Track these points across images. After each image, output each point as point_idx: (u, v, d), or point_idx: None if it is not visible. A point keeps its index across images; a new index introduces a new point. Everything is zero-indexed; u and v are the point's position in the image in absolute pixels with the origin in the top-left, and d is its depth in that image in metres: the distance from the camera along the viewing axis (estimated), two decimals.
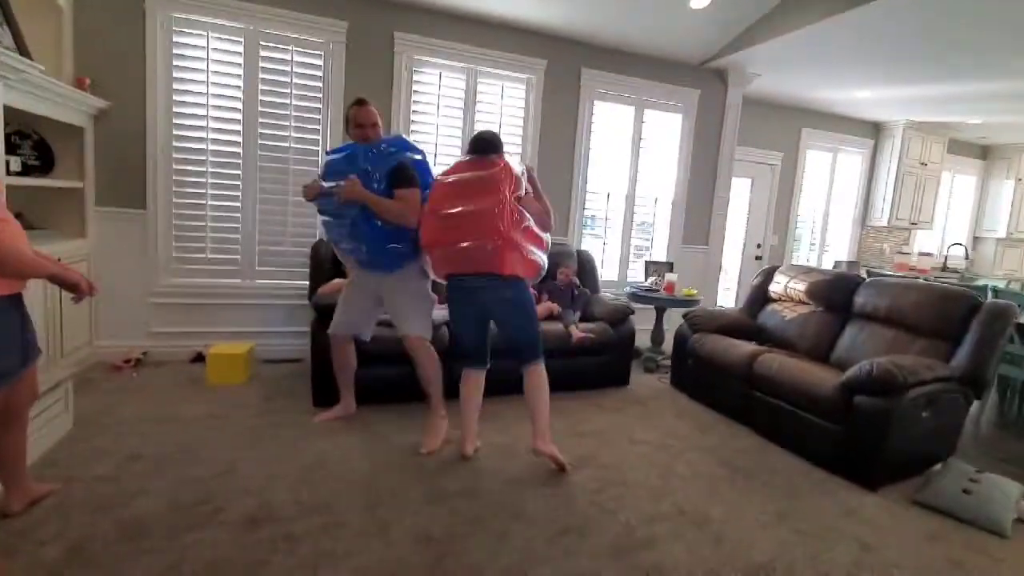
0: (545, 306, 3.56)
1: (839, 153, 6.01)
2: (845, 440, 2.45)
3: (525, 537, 1.87)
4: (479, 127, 4.02)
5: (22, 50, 2.79)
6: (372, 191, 2.29)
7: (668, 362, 3.83)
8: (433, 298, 2.63)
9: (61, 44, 3.10)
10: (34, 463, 2.10)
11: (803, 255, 6.10)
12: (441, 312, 3.19)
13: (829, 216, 6.12)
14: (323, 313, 2.84)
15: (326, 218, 2.47)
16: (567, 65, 4.17)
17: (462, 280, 2.31)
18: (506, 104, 4.11)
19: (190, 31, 3.36)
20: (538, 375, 2.40)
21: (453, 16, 3.81)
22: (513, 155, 4.11)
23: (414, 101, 3.85)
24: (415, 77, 3.84)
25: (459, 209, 2.22)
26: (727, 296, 5.66)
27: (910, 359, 2.45)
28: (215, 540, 1.72)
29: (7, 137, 2.87)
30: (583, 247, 4.37)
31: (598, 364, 3.45)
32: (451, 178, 2.32)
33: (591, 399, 3.30)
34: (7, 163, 2.66)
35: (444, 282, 2.39)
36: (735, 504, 2.20)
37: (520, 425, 2.83)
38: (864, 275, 3.64)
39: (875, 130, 6.13)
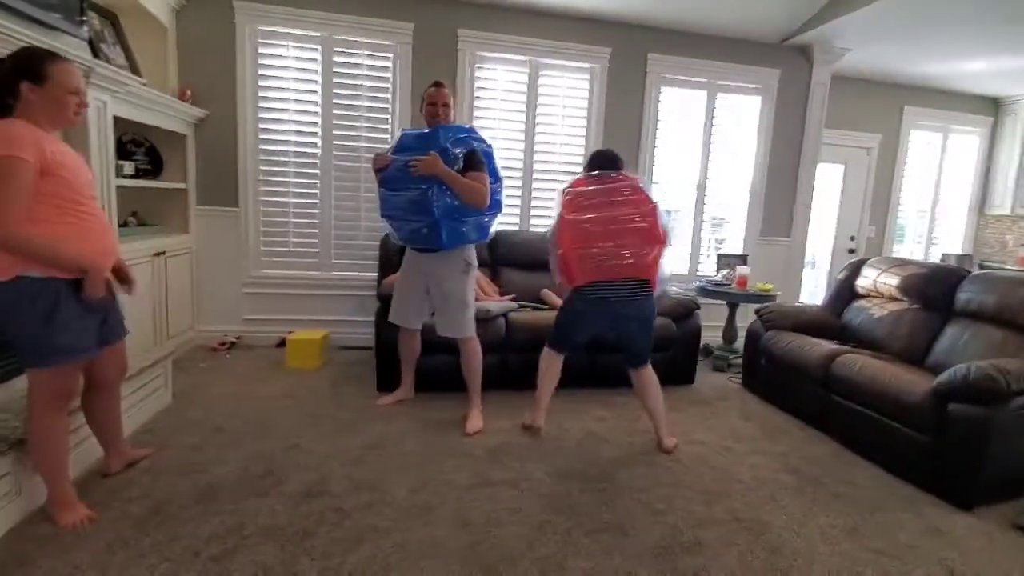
0: None
1: (950, 133, 5.32)
2: (936, 452, 2.18)
3: (565, 529, 1.85)
4: (541, 120, 4.02)
5: (132, 67, 3.18)
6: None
7: (740, 361, 3.62)
8: (473, 297, 2.67)
9: (166, 60, 3.48)
10: (137, 430, 2.40)
11: (907, 248, 5.48)
12: (501, 303, 3.25)
13: (938, 204, 5.45)
14: (387, 303, 2.96)
15: (386, 191, 2.51)
16: (632, 51, 4.05)
17: (602, 287, 2.36)
18: (569, 95, 4.06)
19: (273, 42, 3.65)
20: (650, 375, 2.54)
21: (514, 9, 3.83)
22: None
23: (477, 97, 3.92)
24: (478, 73, 3.90)
25: (614, 213, 2.33)
26: (816, 293, 5.23)
27: (1016, 363, 2.13)
28: (273, 508, 1.87)
29: (124, 144, 3.29)
30: None
31: (660, 361, 3.28)
32: (590, 187, 2.41)
33: None
34: (122, 167, 3.04)
35: (571, 287, 2.42)
36: (800, 514, 2.04)
37: (569, 418, 2.82)
38: (977, 269, 3.22)
39: (994, 106, 5.36)
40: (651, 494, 2.12)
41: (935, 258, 5.41)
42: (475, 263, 2.63)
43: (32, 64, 1.54)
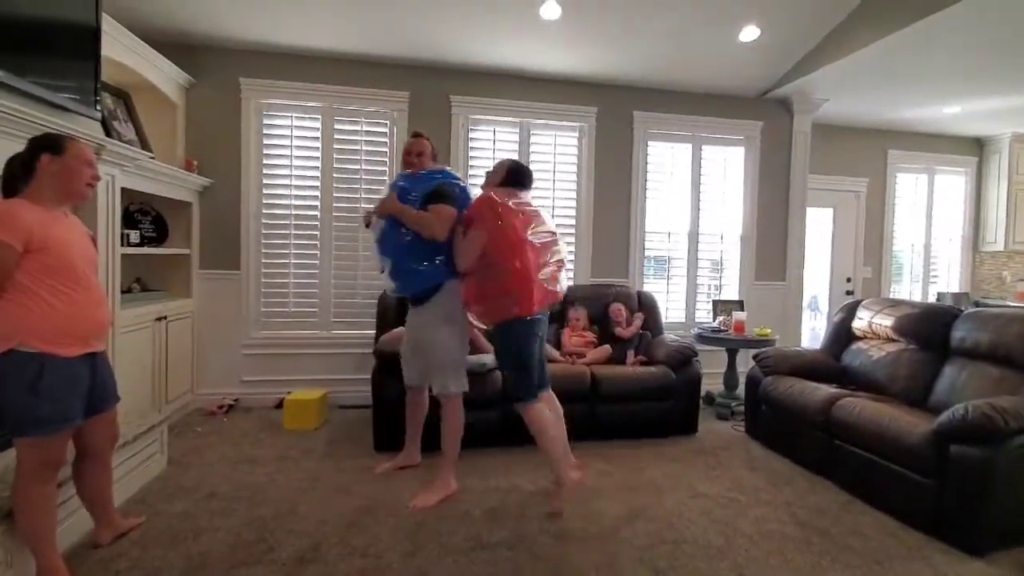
0: (602, 350, 3.49)
1: (936, 174, 5.45)
2: (941, 496, 2.12)
3: None
4: (535, 176, 4.14)
5: (142, 141, 3.34)
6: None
7: (743, 408, 3.57)
8: (466, 349, 2.58)
9: (175, 133, 3.67)
10: (130, 498, 2.38)
11: (905, 287, 5.50)
12: (485, 357, 3.24)
13: (932, 243, 5.51)
14: (384, 360, 2.99)
15: (375, 243, 2.56)
16: (618, 109, 4.24)
17: (541, 313, 2.36)
18: (559, 152, 4.22)
19: (277, 114, 3.85)
20: (553, 398, 2.53)
21: (504, 75, 4.05)
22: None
23: (471, 157, 4.08)
24: (471, 135, 4.08)
25: (548, 239, 2.37)
26: (819, 336, 5.21)
27: (1012, 400, 2.11)
28: None
29: (131, 214, 3.43)
30: (645, 288, 4.27)
31: (660, 410, 3.29)
32: (527, 209, 2.36)
33: (652, 447, 3.14)
34: (127, 236, 3.16)
35: (528, 317, 2.30)
36: (808, 570, 1.96)
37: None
38: (972, 307, 3.22)
39: (977, 146, 5.51)
40: (654, 551, 2.06)
41: (932, 296, 5.41)
42: (459, 315, 2.46)
43: (52, 139, 1.73)
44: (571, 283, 4.15)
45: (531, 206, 2.40)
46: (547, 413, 2.38)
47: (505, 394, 3.04)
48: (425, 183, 2.45)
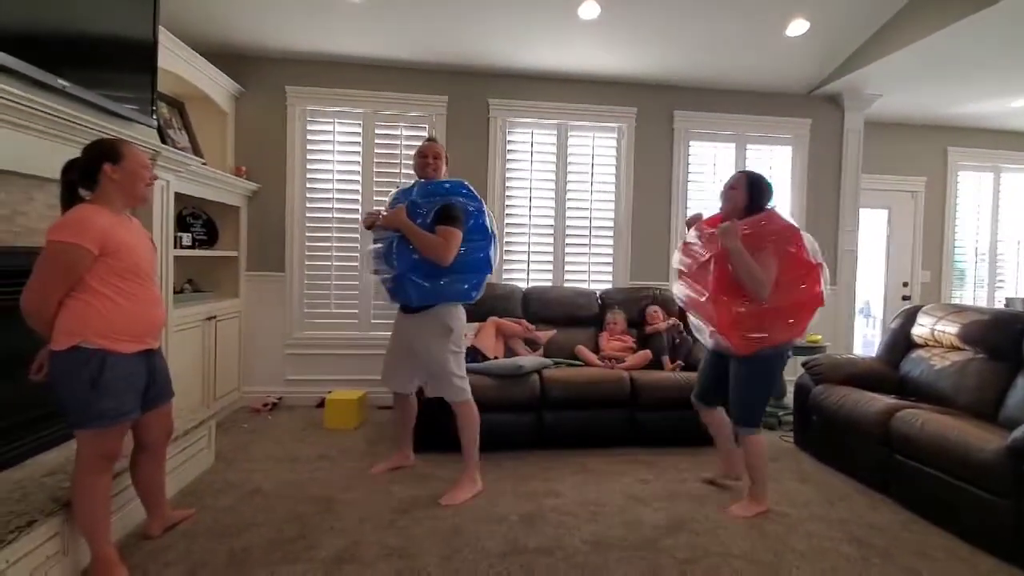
0: (642, 355, 3.41)
1: (1002, 172, 5.10)
2: (1016, 517, 1.96)
3: None
4: (571, 180, 4.12)
5: (195, 148, 3.49)
6: (416, 223, 2.33)
7: (791, 418, 3.42)
8: (461, 360, 2.52)
9: (225, 140, 3.81)
10: (181, 490, 2.46)
11: (968, 292, 5.16)
12: (535, 359, 3.22)
13: (998, 246, 5.15)
14: None
15: (375, 247, 2.54)
16: (658, 109, 4.15)
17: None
18: (598, 155, 4.17)
19: (321, 120, 3.95)
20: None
21: (542, 78, 4.03)
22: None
23: (508, 160, 4.07)
24: (508, 138, 4.07)
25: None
26: (871, 343, 4.95)
27: None
28: (303, 574, 1.84)
29: (183, 217, 3.57)
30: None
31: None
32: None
33: (694, 456, 3.03)
34: (180, 239, 3.29)
35: (783, 345, 2.29)
36: None
37: (610, 480, 2.70)
38: None
39: None
40: (697, 565, 1.98)
41: (999, 303, 5.06)
42: (459, 326, 2.47)
43: (110, 146, 1.79)
44: (610, 286, 4.09)
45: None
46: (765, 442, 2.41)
47: (540, 398, 3.02)
48: (438, 196, 2.38)
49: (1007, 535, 2.00)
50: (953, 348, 2.93)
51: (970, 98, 4.25)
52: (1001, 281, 5.19)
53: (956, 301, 4.99)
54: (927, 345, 3.09)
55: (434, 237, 2.29)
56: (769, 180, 2.42)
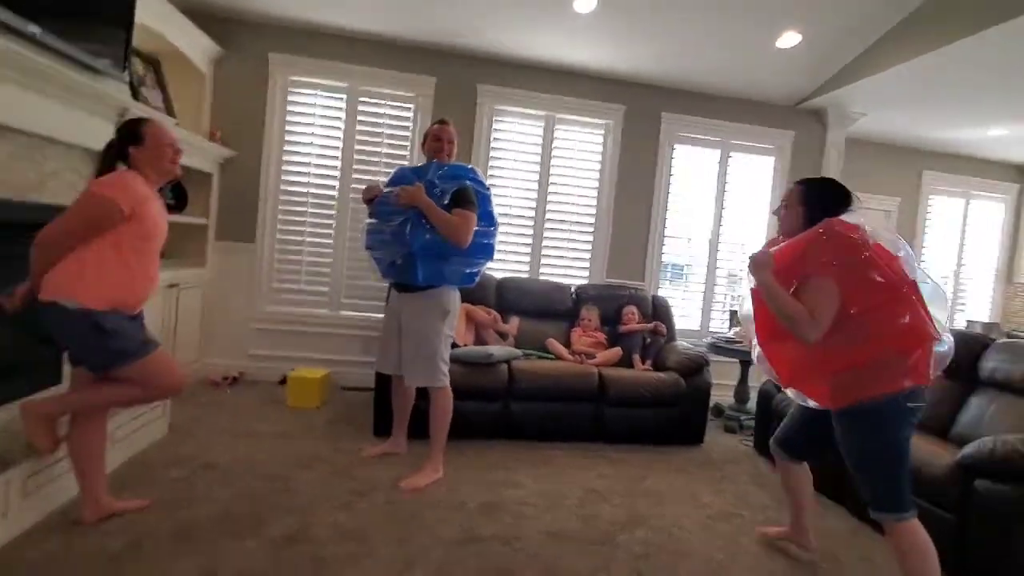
0: (613, 352, 3.42)
1: (972, 199, 5.26)
2: (960, 533, 2.02)
3: None
4: (556, 171, 4.10)
5: (169, 109, 3.35)
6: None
7: (752, 423, 3.47)
8: (449, 345, 2.52)
9: (201, 103, 3.67)
10: (131, 459, 2.37)
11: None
12: (505, 349, 3.19)
13: (962, 270, 5.32)
14: None
15: (373, 222, 2.51)
16: (646, 109, 4.15)
17: (922, 396, 1.65)
18: (583, 150, 4.15)
19: (303, 91, 3.84)
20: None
21: (532, 67, 3.98)
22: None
23: (493, 148, 4.03)
24: (495, 126, 4.02)
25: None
26: None
27: None
28: (251, 551, 1.79)
29: None
30: (660, 293, 4.18)
31: (668, 417, 3.21)
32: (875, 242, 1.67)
33: (656, 454, 3.06)
34: None
35: (890, 395, 1.61)
36: None
37: (571, 474, 2.70)
38: (1004, 338, 3.09)
39: (1019, 173, 5.31)
40: (651, 561, 1.99)
41: (960, 325, 5.23)
42: (455, 309, 2.51)
43: (131, 130, 1.86)
44: (586, 282, 4.09)
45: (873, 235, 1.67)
46: (925, 536, 1.64)
47: (507, 388, 3.00)
48: (453, 179, 2.38)
49: (951, 549, 2.04)
50: None
51: (950, 123, 4.35)
52: (961, 305, 5.36)
53: None
54: None
55: (456, 219, 2.30)
56: (835, 183, 1.85)
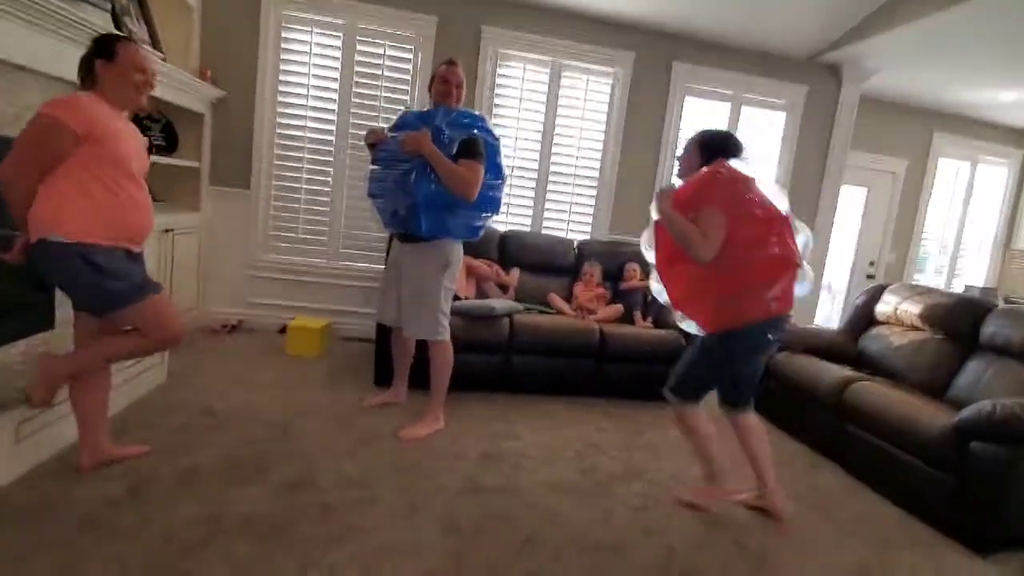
0: (614, 308, 3.40)
1: (979, 164, 5.17)
2: (954, 492, 2.06)
3: (554, 545, 1.77)
4: (561, 122, 3.95)
5: (155, 43, 3.15)
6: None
7: None
8: (450, 298, 2.46)
9: (190, 39, 3.46)
10: (129, 407, 2.36)
11: (927, 277, 5.33)
12: (506, 303, 3.17)
13: (963, 235, 5.30)
14: None
15: (376, 168, 2.40)
16: (657, 58, 3.97)
17: (783, 320, 1.93)
18: (590, 99, 3.99)
19: (297, 27, 3.62)
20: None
21: (540, 8, 3.77)
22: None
23: (497, 95, 3.86)
24: (499, 71, 3.85)
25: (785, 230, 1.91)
26: (831, 318, 5.10)
27: None
28: (255, 497, 1.80)
29: (140, 120, 3.27)
30: None
31: (667, 374, 3.21)
32: (758, 186, 1.92)
33: (655, 410, 3.08)
34: None
35: (761, 321, 1.87)
36: (805, 547, 1.93)
37: (570, 426, 2.73)
38: (1001, 303, 3.09)
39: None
40: (648, 513, 2.03)
41: (957, 289, 5.25)
42: (457, 262, 2.43)
43: (104, 43, 1.70)
44: (588, 237, 4.02)
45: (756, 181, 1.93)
46: (704, 418, 2.08)
47: (508, 341, 2.99)
48: (462, 127, 2.26)
49: (945, 507, 2.10)
50: (913, 327, 3.01)
51: (964, 83, 4.22)
52: (959, 270, 5.37)
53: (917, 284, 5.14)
54: (888, 323, 3.17)
55: (464, 170, 2.18)
56: (731, 134, 2.07)
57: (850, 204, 4.95)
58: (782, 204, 1.95)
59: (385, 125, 2.55)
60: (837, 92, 4.21)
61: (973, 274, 5.42)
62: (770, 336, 1.93)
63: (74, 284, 1.66)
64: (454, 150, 2.21)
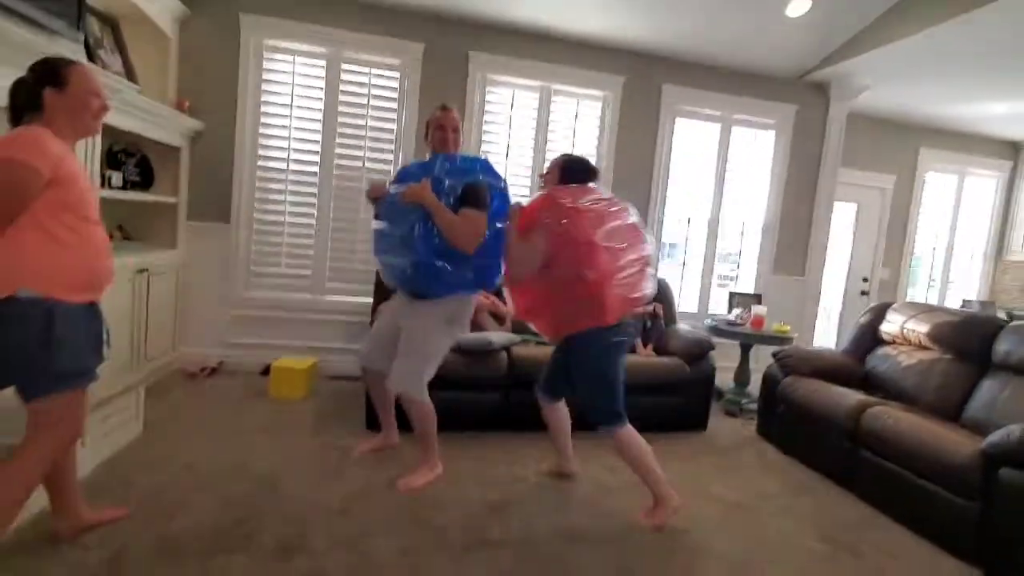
0: None
1: (967, 176, 5.24)
2: (983, 522, 1.97)
3: None
4: (552, 147, 3.89)
5: (129, 74, 3.03)
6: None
7: (754, 406, 3.41)
8: (438, 353, 2.26)
9: (167, 70, 3.35)
10: (102, 463, 2.16)
11: (920, 292, 5.34)
12: (504, 336, 3.04)
13: (954, 248, 5.33)
14: None
15: (380, 225, 2.25)
16: (647, 81, 3.96)
17: (627, 325, 2.15)
18: (580, 123, 3.95)
19: (278, 56, 3.53)
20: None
21: (528, 34, 3.74)
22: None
23: (486, 120, 3.80)
24: (488, 96, 3.79)
25: (629, 238, 2.10)
26: (827, 336, 5.05)
27: None
28: (244, 566, 1.63)
29: (115, 154, 3.13)
30: (659, 275, 4.05)
31: (671, 405, 3.11)
32: (598, 206, 2.06)
33: (661, 444, 2.90)
34: (110, 177, 2.88)
35: (605, 327, 2.05)
36: None
37: (581, 468, 2.58)
38: (1004, 317, 3.06)
39: (1013, 150, 5.30)
40: (669, 562, 1.89)
41: (950, 303, 5.26)
42: (466, 318, 2.29)
43: (52, 69, 1.52)
44: None
45: (605, 201, 2.11)
46: (638, 436, 2.13)
47: (507, 376, 2.86)
48: (461, 175, 2.12)
49: (971, 537, 2.00)
50: (921, 347, 2.95)
51: (952, 98, 4.27)
52: (951, 283, 5.38)
53: (909, 300, 5.14)
54: (895, 342, 3.11)
55: (461, 221, 2.03)
56: (588, 161, 2.27)
57: (841, 221, 4.95)
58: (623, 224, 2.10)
59: (388, 178, 2.44)
60: (826, 110, 4.23)
61: (966, 286, 5.44)
62: (614, 339, 2.10)
63: (22, 352, 1.42)
64: (454, 199, 2.07)
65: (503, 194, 2.22)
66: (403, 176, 2.27)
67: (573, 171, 2.20)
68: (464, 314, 2.27)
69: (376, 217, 2.29)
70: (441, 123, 2.25)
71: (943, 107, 4.48)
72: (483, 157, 2.33)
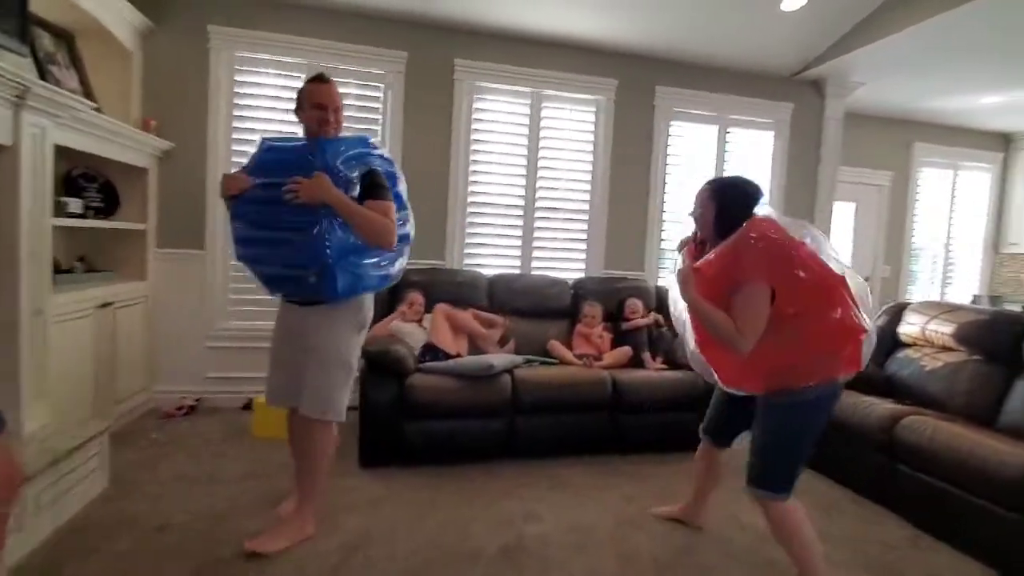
0: (622, 351, 3.10)
1: (960, 170, 5.19)
2: None
3: None
4: (545, 154, 3.72)
5: (87, 92, 2.80)
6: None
7: None
8: (353, 366, 1.95)
9: (130, 87, 3.12)
10: (60, 527, 1.90)
11: (921, 288, 5.25)
12: (506, 357, 2.84)
13: (951, 243, 5.26)
14: (373, 360, 2.56)
15: (244, 226, 1.83)
16: (640, 83, 3.81)
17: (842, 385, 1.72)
18: (574, 129, 3.79)
19: (252, 69, 3.33)
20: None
21: (515, 39, 3.58)
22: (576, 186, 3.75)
23: (475, 130, 3.61)
24: (476, 104, 3.61)
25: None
26: None
27: None
28: None
29: (72, 179, 2.88)
30: (661, 283, 3.89)
31: (687, 421, 2.90)
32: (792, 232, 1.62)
33: (679, 464, 2.75)
34: (66, 205, 2.62)
35: (824, 385, 1.64)
36: None
37: (595, 498, 2.37)
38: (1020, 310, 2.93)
39: (1004, 142, 5.27)
40: None
41: (955, 298, 5.17)
42: (367, 323, 1.98)
43: None
44: (582, 275, 3.75)
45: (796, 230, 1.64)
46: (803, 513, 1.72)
47: (511, 401, 2.65)
48: (356, 160, 1.80)
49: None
50: (945, 348, 2.80)
51: (945, 91, 4.21)
52: (950, 278, 5.31)
53: (911, 297, 5.05)
54: (915, 344, 2.96)
55: (379, 217, 1.77)
56: (746, 180, 1.79)
57: (840, 220, 4.84)
58: (826, 252, 1.64)
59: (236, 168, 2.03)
60: (822, 108, 4.13)
61: (965, 280, 5.37)
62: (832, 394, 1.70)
63: None
64: (356, 190, 1.79)
65: (397, 179, 1.94)
66: (266, 163, 1.85)
67: (734, 199, 1.72)
68: (370, 316, 1.99)
69: (234, 216, 1.85)
70: (320, 101, 1.82)
71: (936, 100, 4.42)
72: (370, 138, 1.96)
